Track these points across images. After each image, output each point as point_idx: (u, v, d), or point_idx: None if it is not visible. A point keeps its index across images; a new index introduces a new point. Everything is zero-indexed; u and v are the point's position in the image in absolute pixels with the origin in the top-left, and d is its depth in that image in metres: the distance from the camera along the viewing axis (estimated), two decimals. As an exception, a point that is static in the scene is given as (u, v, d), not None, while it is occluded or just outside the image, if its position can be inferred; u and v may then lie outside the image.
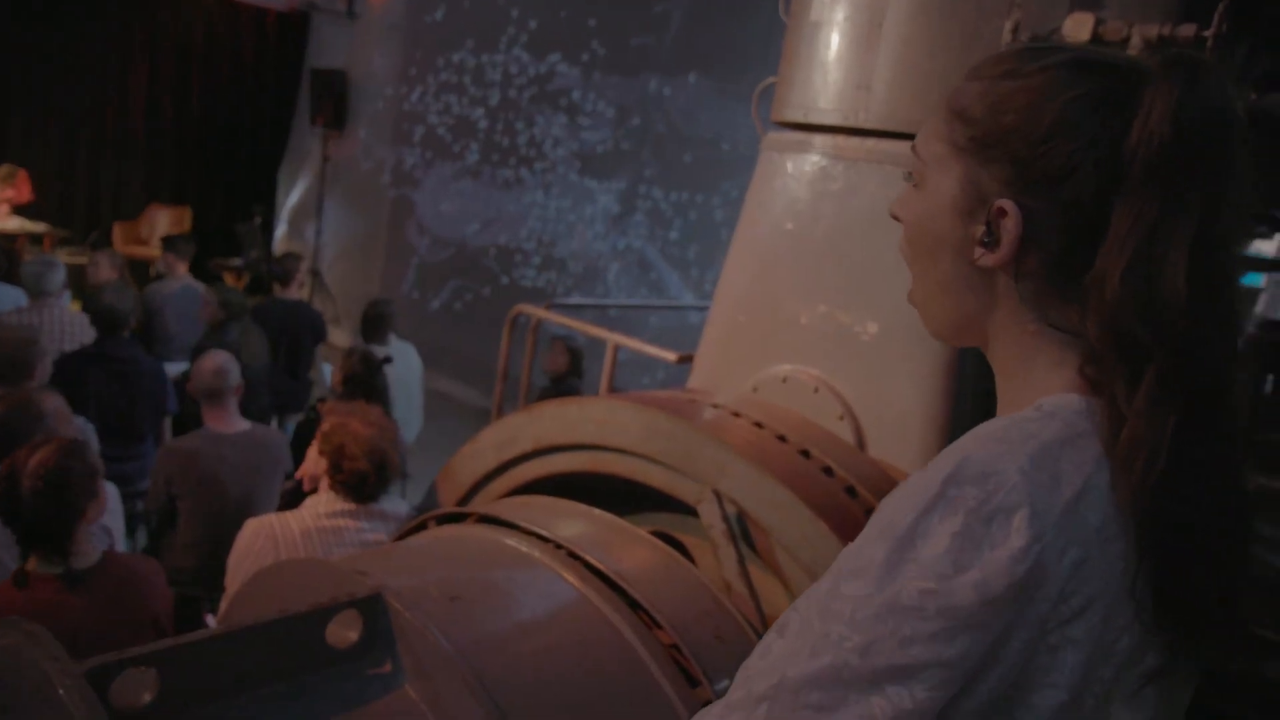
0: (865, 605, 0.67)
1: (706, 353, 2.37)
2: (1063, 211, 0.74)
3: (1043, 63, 0.77)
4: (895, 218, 0.86)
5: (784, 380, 2.11)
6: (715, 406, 2.09)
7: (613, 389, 2.81)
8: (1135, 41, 1.65)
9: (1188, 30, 1.62)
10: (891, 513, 0.71)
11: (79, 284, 5.79)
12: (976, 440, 0.73)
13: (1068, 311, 0.77)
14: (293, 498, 3.38)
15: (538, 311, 3.12)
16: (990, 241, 0.77)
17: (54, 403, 2.96)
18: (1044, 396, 0.77)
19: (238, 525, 2.53)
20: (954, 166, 0.80)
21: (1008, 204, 0.76)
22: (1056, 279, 0.76)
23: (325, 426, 2.53)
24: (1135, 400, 0.70)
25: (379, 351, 4.69)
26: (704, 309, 2.46)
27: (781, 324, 2.14)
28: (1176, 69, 0.71)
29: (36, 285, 4.53)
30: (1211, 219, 0.70)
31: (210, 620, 2.83)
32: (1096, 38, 1.70)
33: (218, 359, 3.49)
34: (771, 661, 0.71)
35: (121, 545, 2.36)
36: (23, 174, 7.68)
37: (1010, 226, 0.76)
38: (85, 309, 4.25)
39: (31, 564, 2.19)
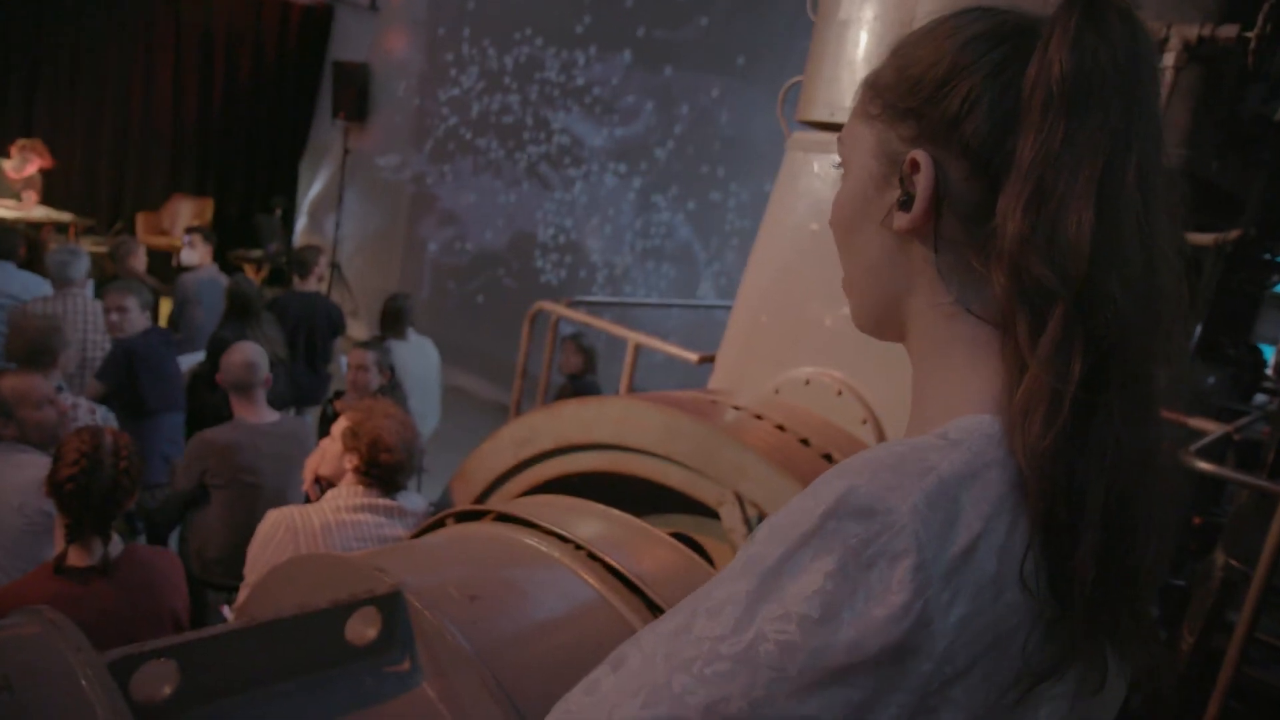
0: (716, 653, 0.60)
1: (728, 353, 2.36)
2: (968, 154, 0.70)
3: (948, 15, 0.74)
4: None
5: (807, 382, 2.09)
6: (737, 408, 2.08)
7: (633, 388, 2.80)
8: (1174, 42, 1.62)
9: (1229, 30, 1.59)
10: (761, 544, 0.63)
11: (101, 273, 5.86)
12: (866, 467, 0.64)
13: (988, 299, 0.70)
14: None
15: (558, 309, 3.11)
16: (906, 202, 0.72)
17: (11, 384, 2.92)
18: (957, 397, 0.71)
19: (272, 514, 2.57)
20: (867, 138, 0.77)
21: (919, 154, 0.71)
22: (975, 244, 0.70)
23: (350, 422, 2.54)
24: (1039, 347, 0.64)
25: (395, 348, 4.72)
26: (727, 308, 2.44)
27: (805, 325, 2.12)
28: (1076, 0, 0.67)
29: (61, 274, 4.58)
30: (1121, 156, 0.65)
31: (227, 613, 2.84)
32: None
33: (247, 351, 3.52)
34: (597, 699, 0.63)
35: None
36: (38, 143, 7.69)
37: (922, 178, 0.71)
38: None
39: (72, 555, 2.19)
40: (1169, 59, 1.67)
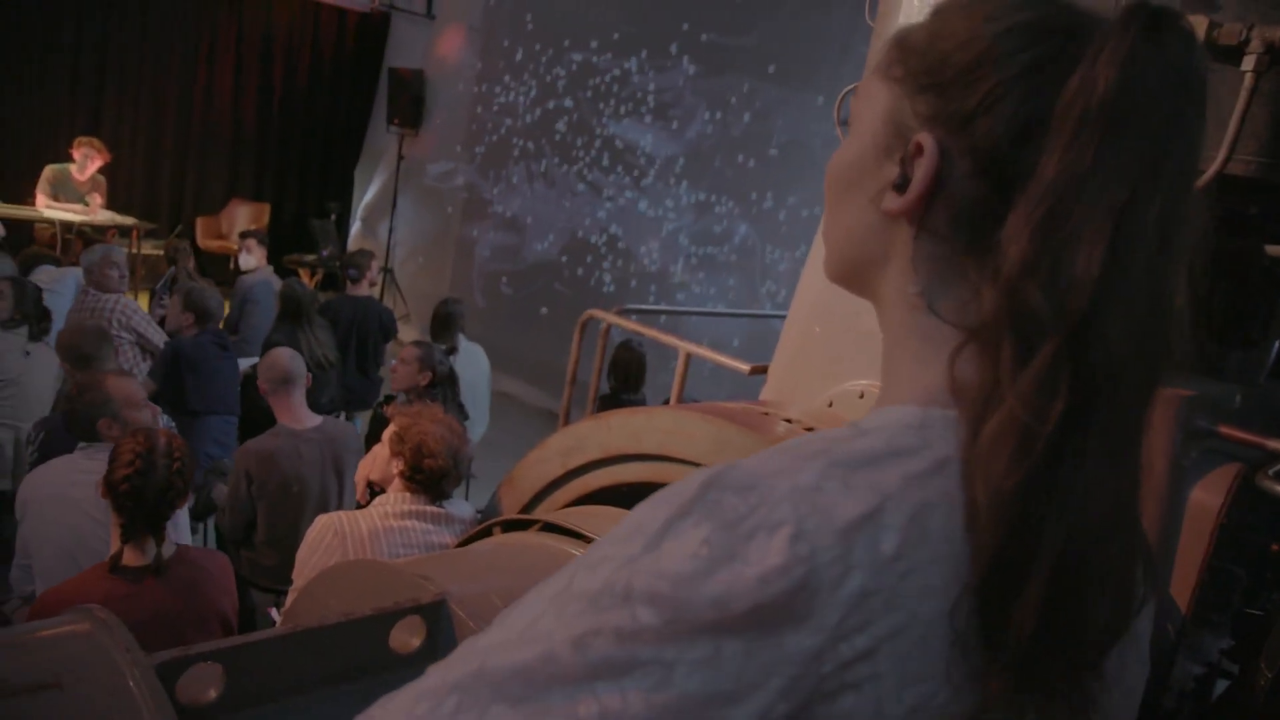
0: (590, 602, 0.58)
1: (780, 364, 2.31)
2: (974, 154, 0.65)
3: None
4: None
5: (861, 395, 2.03)
6: (788, 421, 2.03)
7: (684, 398, 2.76)
8: (1255, 45, 1.54)
9: (1316, 34, 1.51)
10: (641, 513, 0.61)
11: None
12: (764, 451, 0.63)
13: (958, 299, 0.67)
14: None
15: (609, 317, 3.08)
16: (902, 184, 0.68)
17: (118, 385, 3.00)
18: (905, 391, 0.68)
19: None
20: (883, 100, 0.71)
21: (925, 138, 0.66)
22: (959, 244, 0.66)
23: (397, 427, 2.54)
24: (1021, 380, 0.59)
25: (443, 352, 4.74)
26: (782, 317, 2.40)
27: (859, 336, 2.07)
28: (1137, 14, 0.61)
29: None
30: (1148, 188, 0.59)
31: (275, 616, 2.87)
32: (1211, 41, 1.59)
33: (280, 356, 3.54)
34: (474, 650, 0.61)
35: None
36: (95, 140, 7.88)
37: (924, 166, 0.66)
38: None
39: (126, 554, 2.21)
40: (1249, 63, 1.59)
